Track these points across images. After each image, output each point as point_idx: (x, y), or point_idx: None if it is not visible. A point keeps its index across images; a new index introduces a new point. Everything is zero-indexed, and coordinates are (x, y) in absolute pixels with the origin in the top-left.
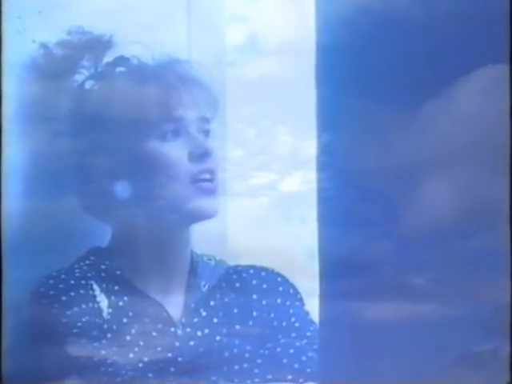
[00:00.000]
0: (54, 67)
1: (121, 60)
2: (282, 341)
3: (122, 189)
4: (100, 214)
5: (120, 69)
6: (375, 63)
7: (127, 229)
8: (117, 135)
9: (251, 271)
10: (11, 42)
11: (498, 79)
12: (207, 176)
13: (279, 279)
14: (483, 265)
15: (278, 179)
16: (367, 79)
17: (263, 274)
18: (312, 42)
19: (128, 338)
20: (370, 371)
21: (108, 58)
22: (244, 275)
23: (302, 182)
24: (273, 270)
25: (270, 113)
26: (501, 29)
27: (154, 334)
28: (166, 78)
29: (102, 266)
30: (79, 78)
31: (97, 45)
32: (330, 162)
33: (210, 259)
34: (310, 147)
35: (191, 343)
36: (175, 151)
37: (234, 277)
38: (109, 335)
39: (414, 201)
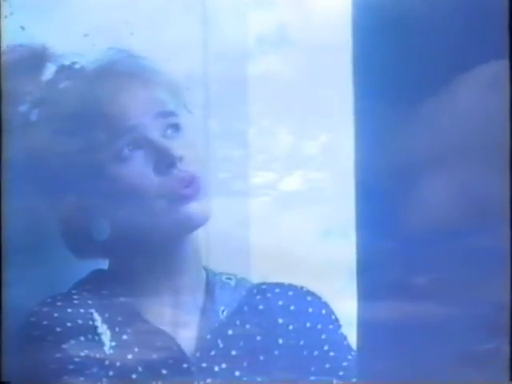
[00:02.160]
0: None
1: (62, 71)
2: (312, 378)
3: (98, 229)
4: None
5: (65, 83)
6: (376, 62)
7: (124, 257)
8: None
9: (277, 290)
10: None
11: (498, 76)
12: (182, 184)
13: (309, 298)
14: (484, 264)
15: (278, 178)
16: (372, 78)
17: (290, 293)
18: (317, 40)
19: (134, 376)
20: (370, 371)
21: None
22: (269, 295)
23: (303, 181)
24: (302, 288)
25: (271, 112)
26: (501, 25)
27: (164, 371)
28: (106, 81)
29: (104, 292)
30: (23, 108)
31: (33, 62)
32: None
33: (229, 278)
34: (310, 147)
35: (208, 381)
36: (137, 169)
37: (258, 297)
38: (111, 373)
39: (423, 200)
